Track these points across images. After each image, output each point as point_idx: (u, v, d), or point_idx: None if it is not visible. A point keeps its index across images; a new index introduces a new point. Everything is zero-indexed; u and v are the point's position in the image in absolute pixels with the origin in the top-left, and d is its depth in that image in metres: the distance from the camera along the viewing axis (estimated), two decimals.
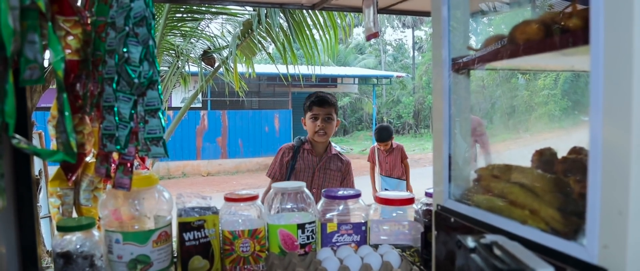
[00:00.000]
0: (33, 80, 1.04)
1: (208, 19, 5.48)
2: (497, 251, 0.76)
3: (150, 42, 1.14)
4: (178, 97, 13.54)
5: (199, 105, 15.04)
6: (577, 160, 0.95)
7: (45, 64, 1.16)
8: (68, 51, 1.18)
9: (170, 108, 12.17)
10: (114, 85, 1.17)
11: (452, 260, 1.06)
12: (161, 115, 1.19)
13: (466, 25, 1.19)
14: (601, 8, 0.72)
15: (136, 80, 1.12)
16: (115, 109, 1.18)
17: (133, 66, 1.11)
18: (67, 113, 1.11)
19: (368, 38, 1.98)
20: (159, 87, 1.18)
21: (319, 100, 2.64)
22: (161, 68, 5.56)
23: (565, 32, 0.86)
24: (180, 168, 13.85)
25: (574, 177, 0.91)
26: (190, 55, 5.65)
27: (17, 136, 1.03)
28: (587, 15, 0.77)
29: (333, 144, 2.87)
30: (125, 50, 1.11)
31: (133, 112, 1.17)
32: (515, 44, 0.96)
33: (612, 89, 0.71)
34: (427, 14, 2.64)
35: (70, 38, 1.19)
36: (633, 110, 0.68)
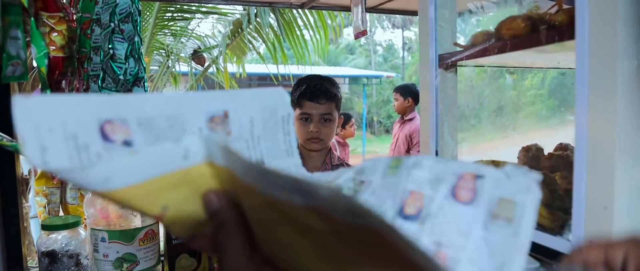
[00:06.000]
0: (16, 76, 1.03)
1: (198, 18, 5.46)
2: None
3: (136, 39, 1.13)
4: None
5: None
6: (563, 157, 0.96)
7: (34, 63, 1.14)
8: (52, 48, 1.17)
9: None
10: (100, 82, 1.15)
11: None
12: None
13: (453, 24, 1.20)
14: (586, 4, 0.73)
15: (121, 77, 1.11)
16: None
17: (118, 63, 1.10)
18: None
19: (356, 36, 1.98)
20: (145, 83, 1.17)
21: (312, 92, 1.77)
22: (151, 67, 5.54)
23: (551, 28, 0.86)
24: None
25: (560, 173, 0.92)
26: (181, 54, 5.63)
27: (0, 133, 1.01)
28: (572, 13, 0.78)
29: (334, 147, 1.92)
30: (110, 46, 1.10)
31: None
32: (502, 40, 0.97)
33: (598, 84, 0.71)
34: (415, 13, 2.64)
35: (54, 34, 1.17)
36: (618, 105, 0.68)
